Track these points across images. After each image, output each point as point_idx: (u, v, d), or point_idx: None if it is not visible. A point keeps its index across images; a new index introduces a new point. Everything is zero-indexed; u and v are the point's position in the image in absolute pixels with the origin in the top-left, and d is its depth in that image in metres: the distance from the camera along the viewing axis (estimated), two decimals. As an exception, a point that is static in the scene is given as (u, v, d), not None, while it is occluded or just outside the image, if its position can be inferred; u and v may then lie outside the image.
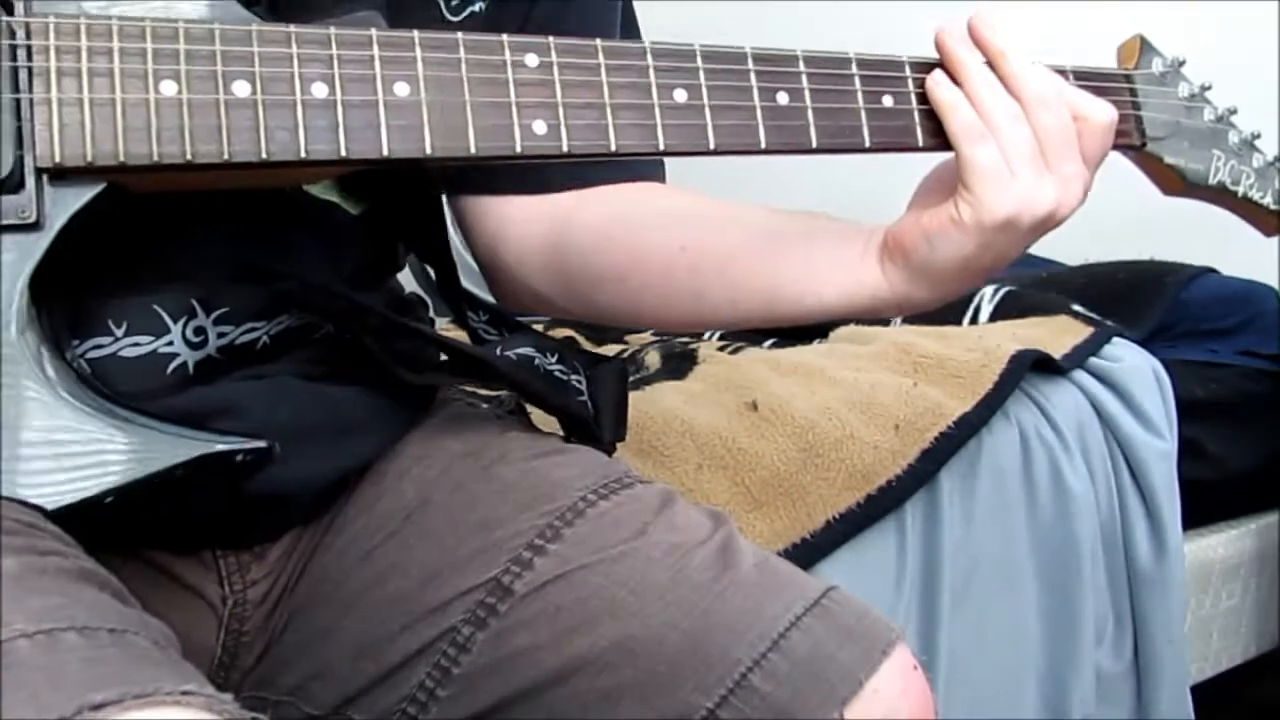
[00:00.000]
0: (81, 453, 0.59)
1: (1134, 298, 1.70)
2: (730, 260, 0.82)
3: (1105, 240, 1.98)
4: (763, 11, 2.07)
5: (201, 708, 0.50)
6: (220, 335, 0.71)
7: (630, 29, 0.91)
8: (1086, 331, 1.50)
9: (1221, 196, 0.89)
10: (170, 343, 0.70)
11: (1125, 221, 2.13)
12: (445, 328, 1.19)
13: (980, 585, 1.32)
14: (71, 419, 0.60)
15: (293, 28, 0.64)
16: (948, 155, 0.77)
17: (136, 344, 0.69)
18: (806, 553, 1.18)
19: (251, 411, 0.70)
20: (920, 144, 0.77)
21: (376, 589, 0.76)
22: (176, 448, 0.61)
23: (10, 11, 0.60)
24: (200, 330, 0.71)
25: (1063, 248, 2.10)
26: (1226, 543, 1.64)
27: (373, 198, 0.80)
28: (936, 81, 0.76)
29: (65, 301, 0.65)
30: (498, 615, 0.73)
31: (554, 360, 0.85)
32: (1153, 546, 1.45)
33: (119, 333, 0.69)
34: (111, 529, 0.62)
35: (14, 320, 0.59)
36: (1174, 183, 0.87)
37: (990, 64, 0.76)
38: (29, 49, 0.59)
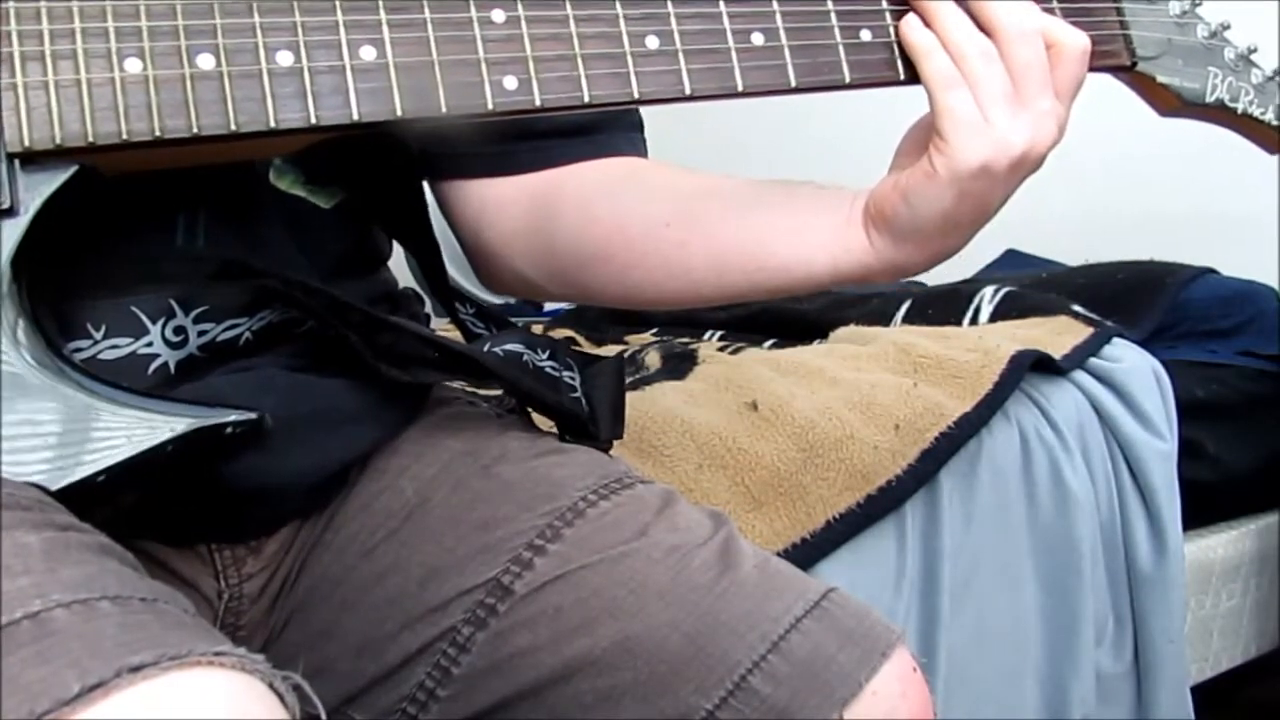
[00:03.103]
0: (71, 433, 0.60)
1: (1134, 298, 1.70)
2: (716, 232, 0.80)
3: (1105, 240, 1.98)
4: None
5: (234, 668, 0.51)
6: (201, 334, 0.71)
7: None
8: (1086, 332, 1.50)
9: (1221, 114, 0.87)
10: (150, 343, 0.69)
11: (1125, 221, 2.13)
12: (444, 328, 1.19)
13: (980, 585, 1.32)
14: (60, 402, 0.60)
15: None
16: (922, 115, 0.75)
17: (115, 346, 0.69)
18: (806, 553, 1.18)
19: (234, 403, 0.69)
20: (902, 77, 0.75)
21: (376, 588, 0.76)
22: (167, 423, 0.61)
23: None
24: (180, 330, 0.70)
25: (1063, 248, 2.11)
26: (1226, 543, 1.64)
27: (347, 187, 0.80)
28: (909, 25, 0.74)
29: (44, 302, 0.64)
30: (498, 615, 0.73)
31: (545, 357, 0.84)
32: (1153, 547, 1.45)
33: (97, 335, 0.68)
34: (105, 515, 0.61)
35: None
36: (1169, 102, 0.85)
37: None
38: None
